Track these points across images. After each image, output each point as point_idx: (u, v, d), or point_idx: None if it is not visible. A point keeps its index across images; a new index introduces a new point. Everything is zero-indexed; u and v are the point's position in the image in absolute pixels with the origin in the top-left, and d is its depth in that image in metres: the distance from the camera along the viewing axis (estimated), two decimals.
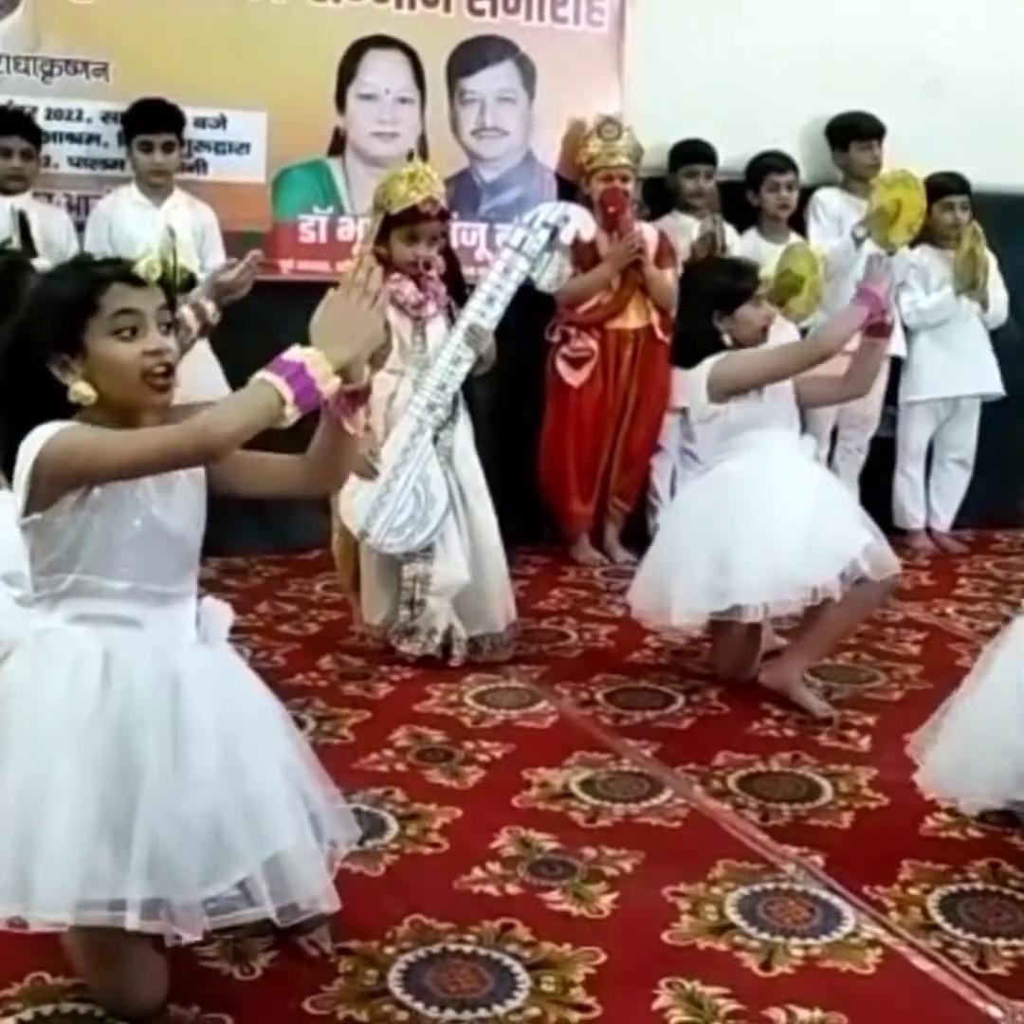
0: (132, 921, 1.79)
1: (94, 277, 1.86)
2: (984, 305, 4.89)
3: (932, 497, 5.12)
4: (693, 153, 4.76)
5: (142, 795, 1.80)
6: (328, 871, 1.99)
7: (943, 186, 4.87)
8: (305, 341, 1.92)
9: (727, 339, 3.28)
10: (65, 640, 1.87)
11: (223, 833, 1.83)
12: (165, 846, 1.80)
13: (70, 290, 1.86)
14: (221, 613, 1.98)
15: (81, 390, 1.83)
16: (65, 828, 1.77)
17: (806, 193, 4.93)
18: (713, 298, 3.33)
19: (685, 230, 4.69)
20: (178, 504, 1.91)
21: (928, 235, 4.91)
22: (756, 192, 4.83)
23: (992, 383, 5.02)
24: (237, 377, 4.01)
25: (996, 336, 5.03)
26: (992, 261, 4.81)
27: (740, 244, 4.71)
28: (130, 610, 1.88)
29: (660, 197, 4.79)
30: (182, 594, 1.95)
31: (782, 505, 3.16)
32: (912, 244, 4.86)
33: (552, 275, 4.15)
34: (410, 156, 3.83)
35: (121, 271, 1.86)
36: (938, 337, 4.96)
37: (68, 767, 1.80)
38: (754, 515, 3.15)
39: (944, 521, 5.13)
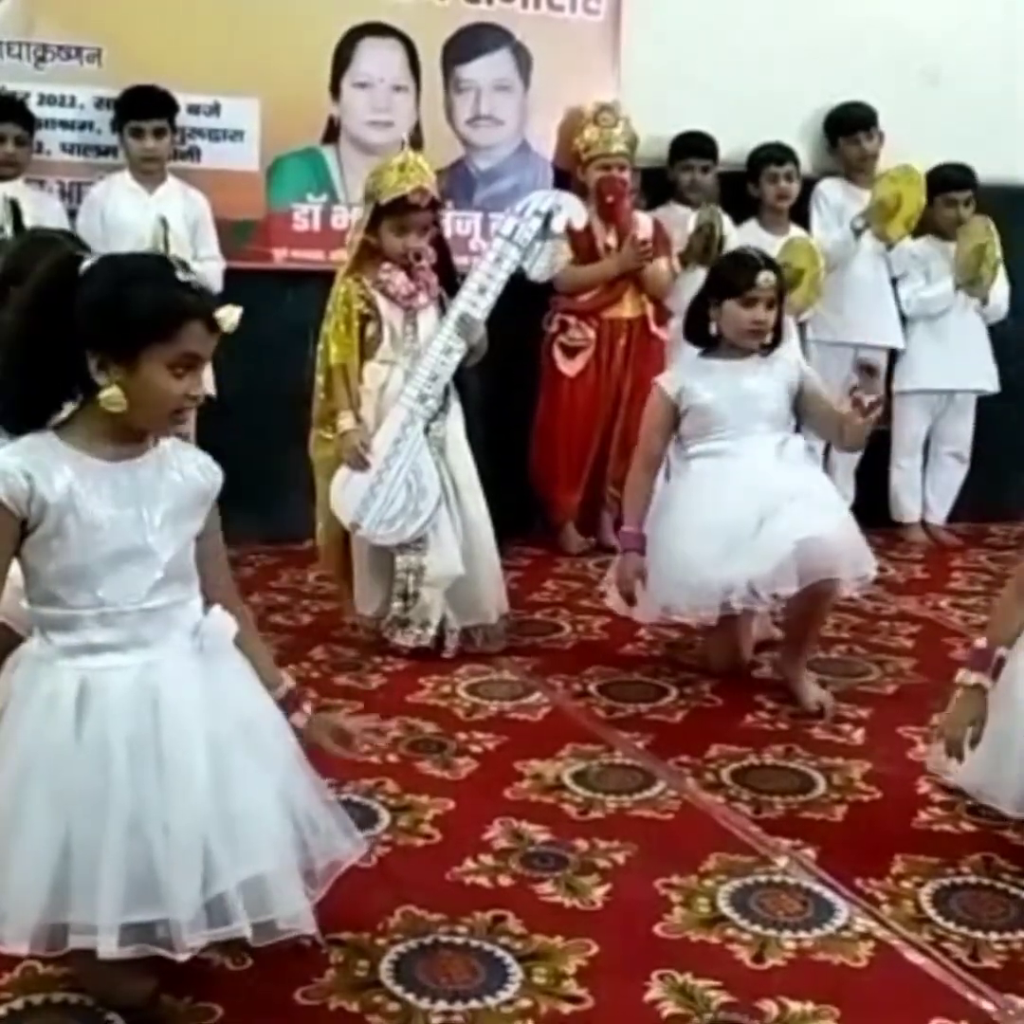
0: (107, 947, 1.78)
1: (181, 307, 1.80)
2: (984, 301, 4.87)
3: (927, 491, 5.11)
4: (690, 147, 4.75)
5: (114, 822, 1.78)
6: (326, 881, 1.97)
7: (948, 179, 4.84)
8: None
9: (713, 328, 3.25)
10: (44, 673, 1.85)
11: (205, 851, 1.81)
12: (146, 869, 1.78)
13: (152, 310, 1.79)
14: (223, 625, 1.95)
15: (114, 398, 1.79)
16: (30, 859, 1.77)
17: (809, 184, 4.92)
18: (711, 283, 3.32)
19: (681, 221, 4.68)
20: (155, 521, 1.87)
21: (931, 226, 4.89)
22: (756, 183, 4.82)
23: (987, 380, 5.00)
24: (229, 364, 3.99)
25: (994, 331, 5.01)
26: (999, 258, 4.77)
27: (738, 235, 4.70)
28: (105, 635, 1.85)
29: (658, 188, 4.78)
30: (168, 607, 1.89)
31: (718, 508, 3.13)
32: (915, 234, 4.85)
33: (543, 264, 4.14)
34: (403, 145, 3.81)
35: (205, 310, 1.82)
36: (935, 329, 4.94)
37: (38, 800, 1.79)
38: (689, 518, 3.17)
39: (939, 515, 5.12)
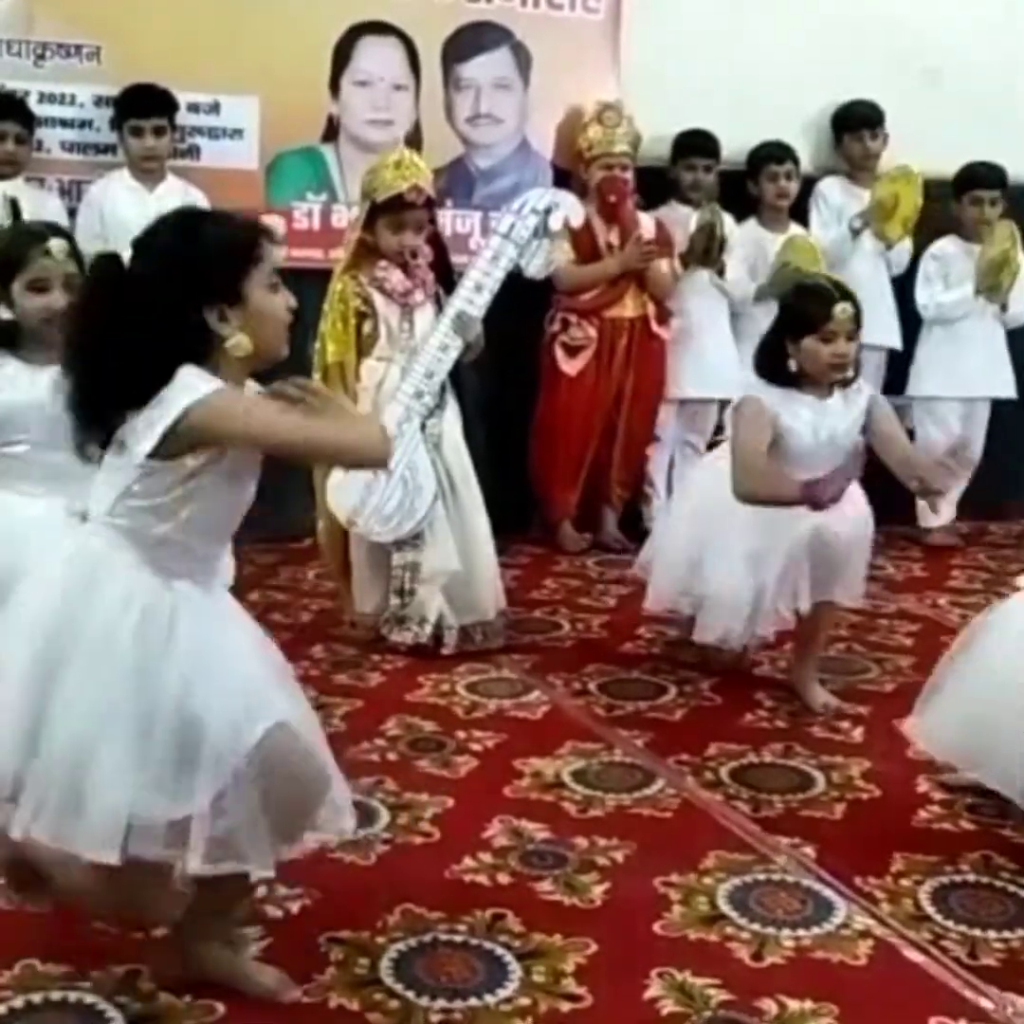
0: (195, 864, 1.78)
1: (254, 228, 1.88)
2: (1004, 307, 4.76)
3: None
4: (694, 146, 4.72)
5: (208, 734, 1.79)
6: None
7: (976, 177, 4.73)
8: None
9: (792, 365, 3.10)
10: (140, 585, 1.83)
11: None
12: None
13: (239, 240, 1.85)
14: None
15: (243, 342, 1.83)
16: (121, 770, 1.75)
17: (809, 182, 4.90)
18: (785, 319, 3.18)
19: (682, 221, 4.67)
20: (253, 478, 1.94)
21: (955, 226, 4.80)
22: (755, 182, 4.80)
23: (1004, 386, 4.87)
24: None
25: (1013, 336, 4.90)
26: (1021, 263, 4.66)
27: (739, 233, 4.69)
28: (198, 568, 1.90)
29: (658, 186, 4.77)
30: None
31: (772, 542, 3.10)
32: (938, 233, 4.77)
33: (540, 262, 4.14)
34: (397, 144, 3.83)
35: (265, 227, 1.91)
36: (954, 334, 4.79)
37: (129, 710, 1.77)
38: (741, 549, 3.13)
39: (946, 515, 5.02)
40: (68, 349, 1.90)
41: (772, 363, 3.15)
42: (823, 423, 3.13)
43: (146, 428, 1.79)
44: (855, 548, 3.15)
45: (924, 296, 4.81)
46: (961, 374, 4.81)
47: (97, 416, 1.84)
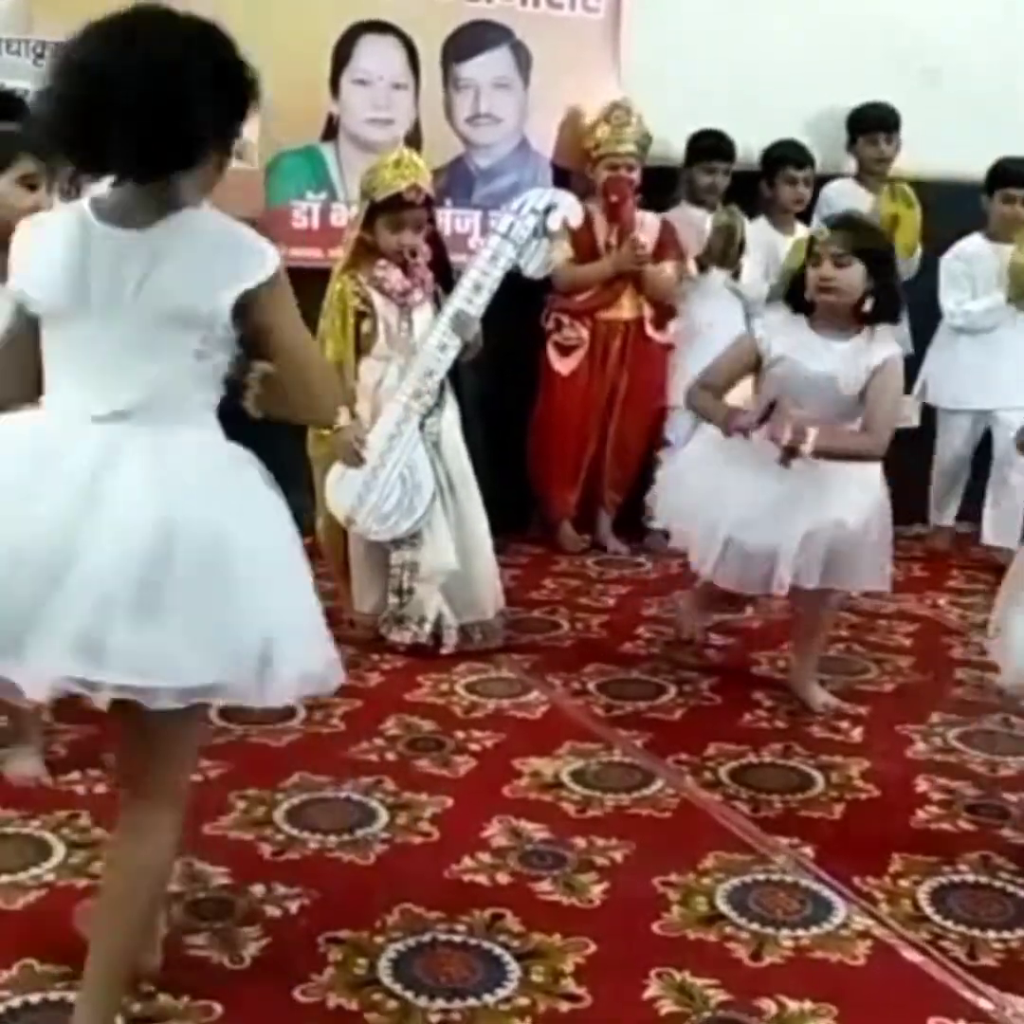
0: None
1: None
2: None
3: (988, 508, 4.67)
4: (711, 148, 4.65)
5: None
6: None
7: (1008, 173, 4.48)
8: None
9: (808, 294, 3.12)
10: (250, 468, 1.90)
11: None
12: None
13: (255, 73, 1.91)
14: None
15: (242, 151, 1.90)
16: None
17: (816, 182, 4.86)
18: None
19: (696, 223, 4.61)
20: None
21: (981, 224, 4.58)
22: (770, 183, 4.73)
23: None
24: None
25: None
26: None
27: (752, 234, 4.65)
28: None
29: (660, 186, 4.75)
30: None
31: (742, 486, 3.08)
32: (965, 232, 4.61)
33: (539, 262, 4.14)
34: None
35: None
36: (982, 341, 4.51)
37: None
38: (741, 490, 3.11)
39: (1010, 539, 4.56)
40: (80, 75, 1.77)
41: (793, 290, 3.20)
42: (821, 360, 3.08)
43: (211, 281, 1.75)
44: (868, 531, 3.11)
45: (950, 302, 4.50)
46: (990, 385, 4.53)
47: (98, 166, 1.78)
